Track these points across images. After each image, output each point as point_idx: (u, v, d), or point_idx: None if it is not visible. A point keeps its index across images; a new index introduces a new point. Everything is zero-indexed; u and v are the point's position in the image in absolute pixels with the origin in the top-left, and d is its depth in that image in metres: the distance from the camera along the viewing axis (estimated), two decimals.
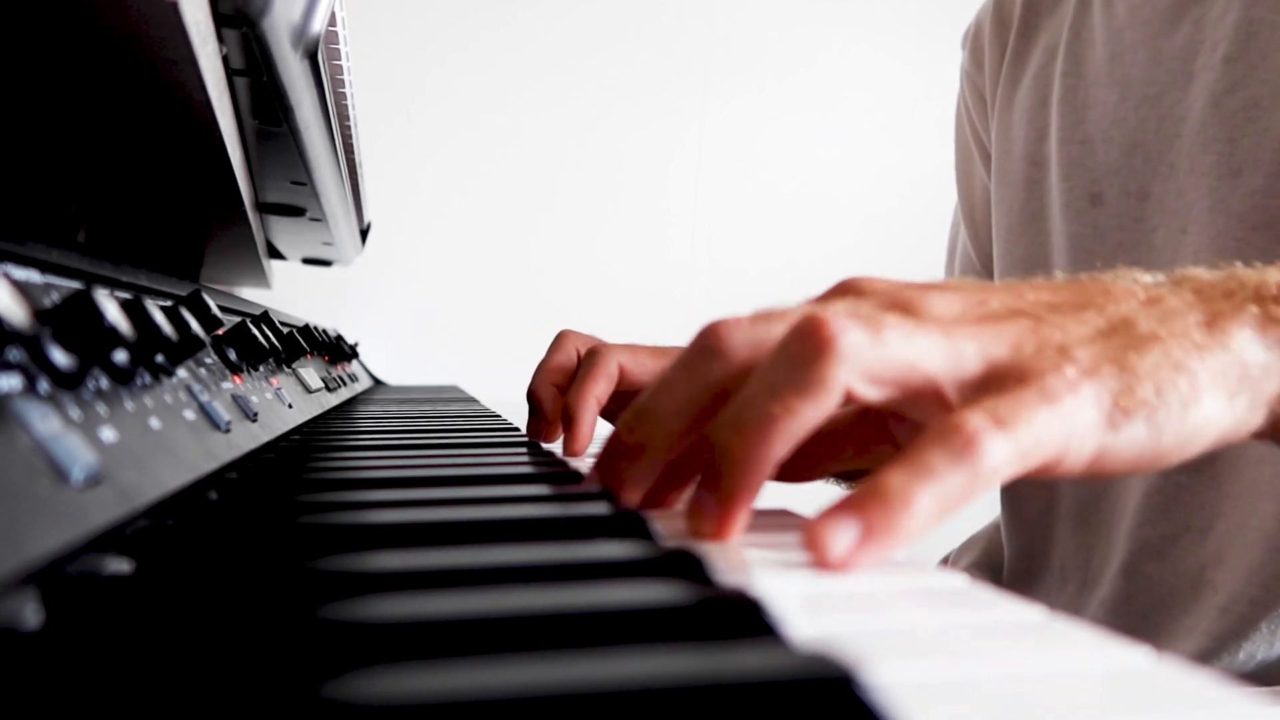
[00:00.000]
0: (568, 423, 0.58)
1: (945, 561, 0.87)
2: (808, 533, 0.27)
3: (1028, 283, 0.35)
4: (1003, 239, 0.79)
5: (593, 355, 0.59)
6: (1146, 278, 0.35)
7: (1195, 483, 0.61)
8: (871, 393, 0.30)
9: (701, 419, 0.33)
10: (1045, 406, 0.29)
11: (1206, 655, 0.59)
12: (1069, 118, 0.71)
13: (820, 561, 0.27)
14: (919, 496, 0.27)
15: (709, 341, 0.33)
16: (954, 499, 0.28)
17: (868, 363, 0.30)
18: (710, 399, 0.33)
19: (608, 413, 0.63)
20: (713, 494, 0.30)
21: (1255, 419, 0.33)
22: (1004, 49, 0.80)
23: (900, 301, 0.33)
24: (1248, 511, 0.59)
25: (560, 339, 0.64)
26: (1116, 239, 0.68)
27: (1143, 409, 0.31)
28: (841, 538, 0.27)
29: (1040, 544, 0.73)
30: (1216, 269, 0.36)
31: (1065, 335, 0.32)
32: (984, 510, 0.86)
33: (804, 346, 0.30)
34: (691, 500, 0.31)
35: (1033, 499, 0.72)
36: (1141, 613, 0.64)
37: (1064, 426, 0.29)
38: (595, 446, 0.59)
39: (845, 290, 0.36)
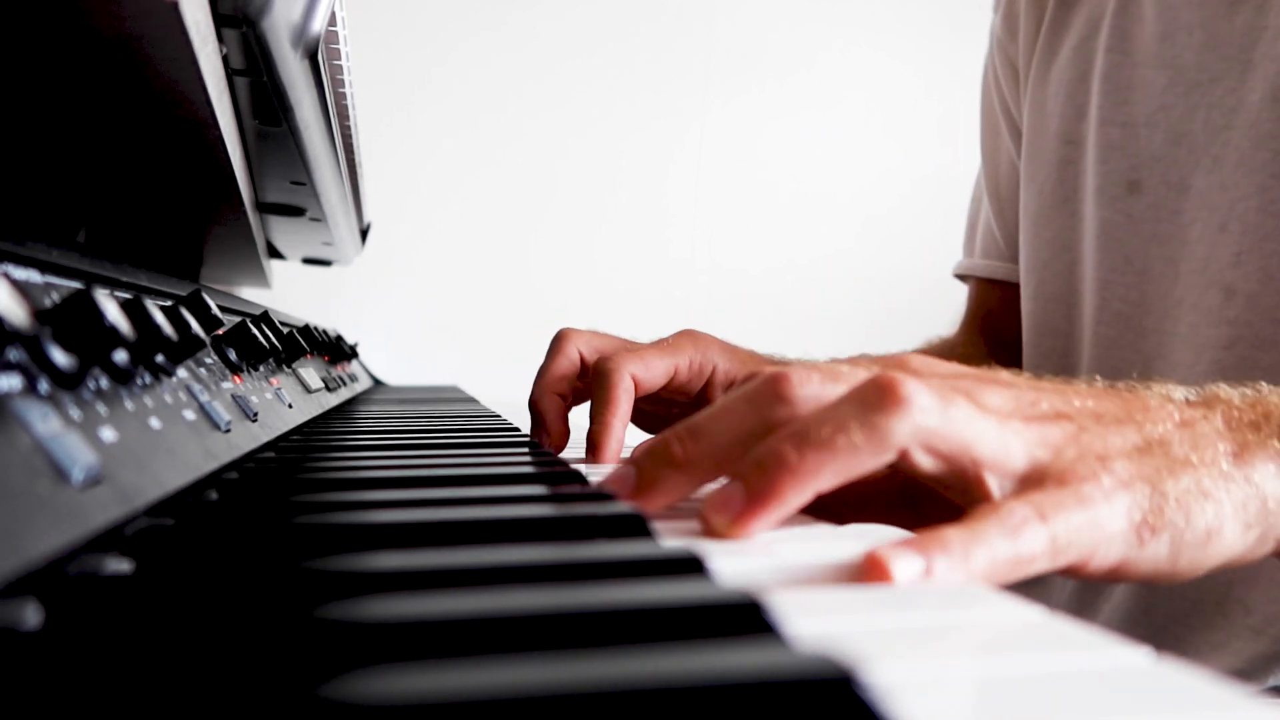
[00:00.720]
0: (598, 450, 0.55)
1: None
2: (875, 555, 0.28)
3: (1073, 387, 0.37)
4: (1031, 220, 0.76)
5: (607, 374, 0.56)
6: (1179, 393, 0.37)
7: None
8: (924, 461, 0.32)
9: (747, 448, 0.34)
10: (1081, 510, 0.31)
11: (1239, 675, 0.57)
12: (1111, 98, 0.68)
13: (881, 579, 0.28)
14: (976, 558, 0.29)
15: (778, 389, 0.34)
16: (999, 571, 0.29)
17: (931, 430, 0.31)
18: (764, 435, 0.33)
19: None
20: (747, 490, 0.31)
21: (1264, 549, 0.35)
22: (1041, 16, 0.75)
23: (961, 388, 0.34)
24: None
25: (560, 341, 0.62)
26: (1150, 230, 0.66)
27: (1169, 529, 0.32)
28: (908, 566, 0.28)
29: None
30: (1243, 388, 0.38)
31: (1105, 446, 0.33)
32: None
33: (879, 397, 0.31)
34: (717, 493, 0.32)
35: None
36: (1160, 624, 0.62)
37: (1095, 532, 0.31)
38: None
39: (901, 366, 0.37)
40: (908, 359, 0.37)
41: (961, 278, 0.92)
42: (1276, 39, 0.59)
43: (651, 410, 0.66)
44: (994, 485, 0.32)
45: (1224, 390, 0.37)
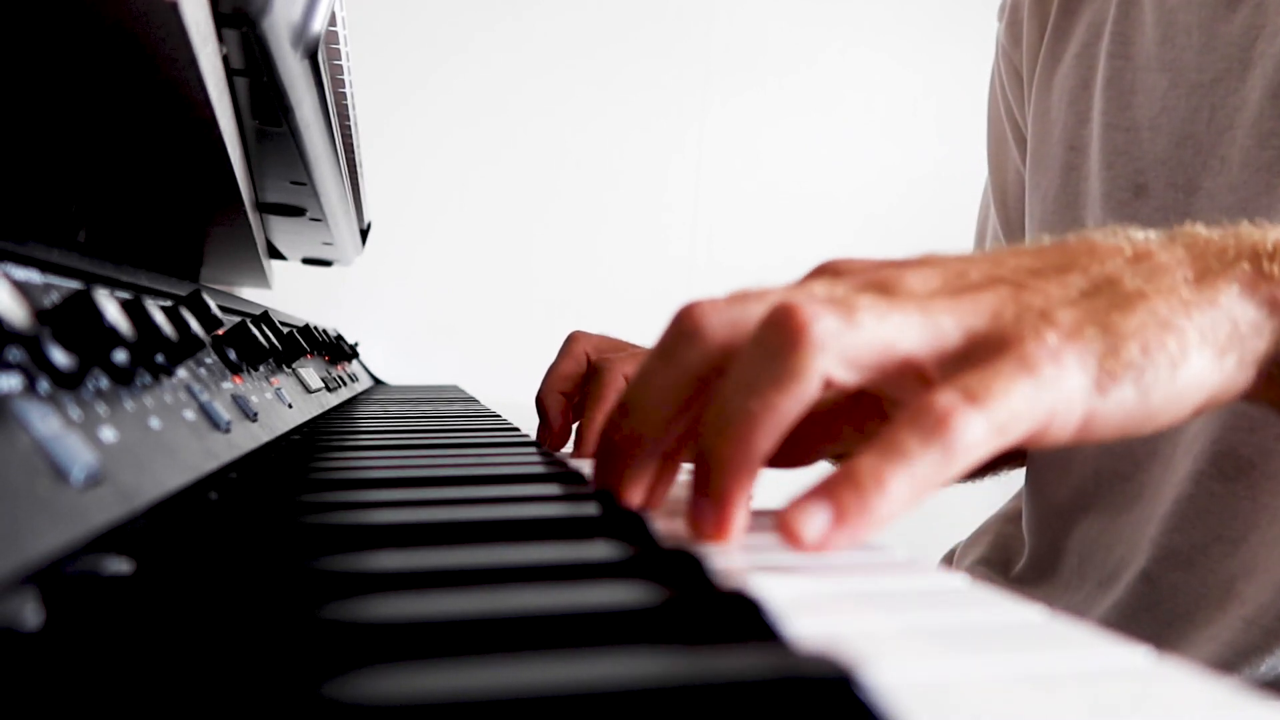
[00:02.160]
0: (579, 441, 0.58)
1: (950, 557, 0.85)
2: (781, 517, 0.28)
3: (1011, 249, 0.34)
4: (1036, 227, 0.76)
5: (600, 373, 0.60)
6: (1139, 234, 0.34)
7: (1229, 491, 0.58)
8: (851, 377, 0.30)
9: (688, 404, 0.33)
10: (1023, 377, 0.29)
11: (1225, 665, 0.57)
12: (1114, 102, 0.68)
13: (794, 545, 0.27)
14: (891, 479, 0.27)
15: (685, 325, 0.32)
16: (928, 480, 0.27)
17: (843, 348, 0.29)
18: (693, 384, 0.32)
19: None
20: (706, 497, 0.30)
21: (1243, 378, 0.32)
22: (1044, 24, 0.76)
23: (877, 281, 0.32)
24: None
25: (570, 342, 0.64)
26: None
27: (1130, 371, 0.30)
28: (814, 521, 0.27)
29: (1060, 540, 0.71)
30: (1222, 227, 0.35)
31: (1046, 300, 0.31)
32: (989, 503, 0.86)
33: (777, 337, 0.29)
34: (688, 504, 0.31)
35: (1059, 491, 0.71)
36: (1165, 621, 0.62)
37: (1046, 396, 0.29)
38: None
39: (824, 272, 0.35)
40: (833, 261, 0.35)
41: None
42: (1275, 36, 0.59)
43: None
44: (936, 374, 0.30)
45: (1194, 227, 0.35)
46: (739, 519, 0.31)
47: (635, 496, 0.35)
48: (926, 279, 0.32)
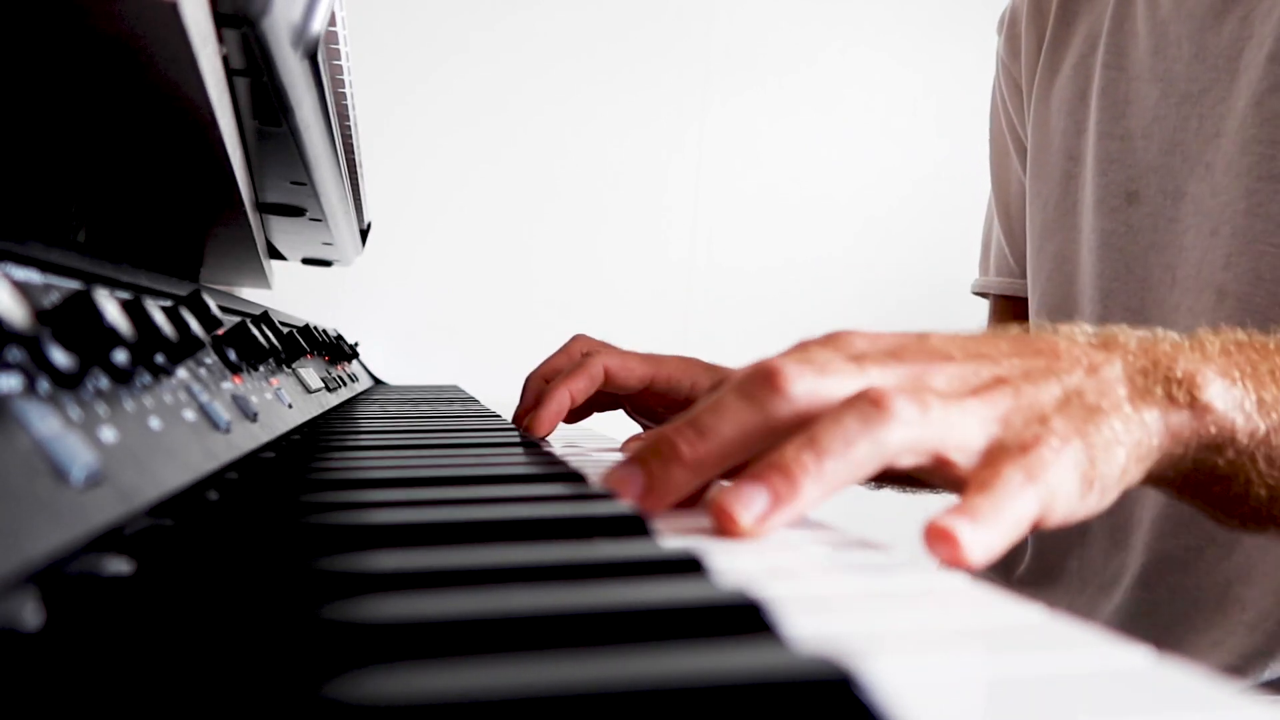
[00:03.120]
0: (538, 405, 0.64)
1: None
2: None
3: (994, 344, 0.40)
4: (1036, 234, 0.77)
5: (584, 358, 0.65)
6: (1081, 336, 0.41)
7: None
8: (908, 461, 0.35)
9: (751, 450, 0.35)
10: (1054, 467, 0.35)
11: (1232, 671, 0.57)
12: (1109, 112, 0.69)
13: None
14: (1003, 518, 0.33)
15: (773, 381, 0.35)
16: (1018, 530, 0.33)
17: (916, 437, 0.34)
18: (769, 435, 0.35)
19: (587, 408, 0.70)
20: (771, 492, 0.32)
21: (1139, 479, 0.39)
22: (1041, 37, 0.77)
23: (919, 379, 0.37)
24: None
25: (570, 341, 0.69)
26: (1149, 239, 0.67)
27: (1100, 479, 0.36)
28: (974, 541, 0.32)
29: (1061, 545, 0.72)
30: (1141, 331, 0.42)
31: (1039, 405, 0.37)
32: None
33: (875, 411, 0.34)
34: (737, 491, 0.32)
35: None
36: (1166, 626, 0.62)
37: (1058, 489, 0.35)
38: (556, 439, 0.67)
39: (833, 342, 0.39)
40: (847, 334, 0.39)
41: (980, 294, 0.93)
42: (1260, 46, 0.60)
43: (642, 422, 0.74)
44: (961, 463, 0.36)
45: (1122, 333, 0.41)
46: (779, 523, 0.33)
47: (666, 506, 0.36)
48: (950, 380, 0.38)
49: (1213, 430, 0.40)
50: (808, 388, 0.36)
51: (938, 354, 0.39)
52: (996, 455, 0.36)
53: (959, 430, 0.36)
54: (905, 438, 0.34)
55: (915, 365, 0.38)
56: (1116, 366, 0.40)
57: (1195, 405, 0.39)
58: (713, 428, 0.35)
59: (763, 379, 0.36)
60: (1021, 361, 0.39)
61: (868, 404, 0.34)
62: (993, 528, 0.32)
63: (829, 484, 0.33)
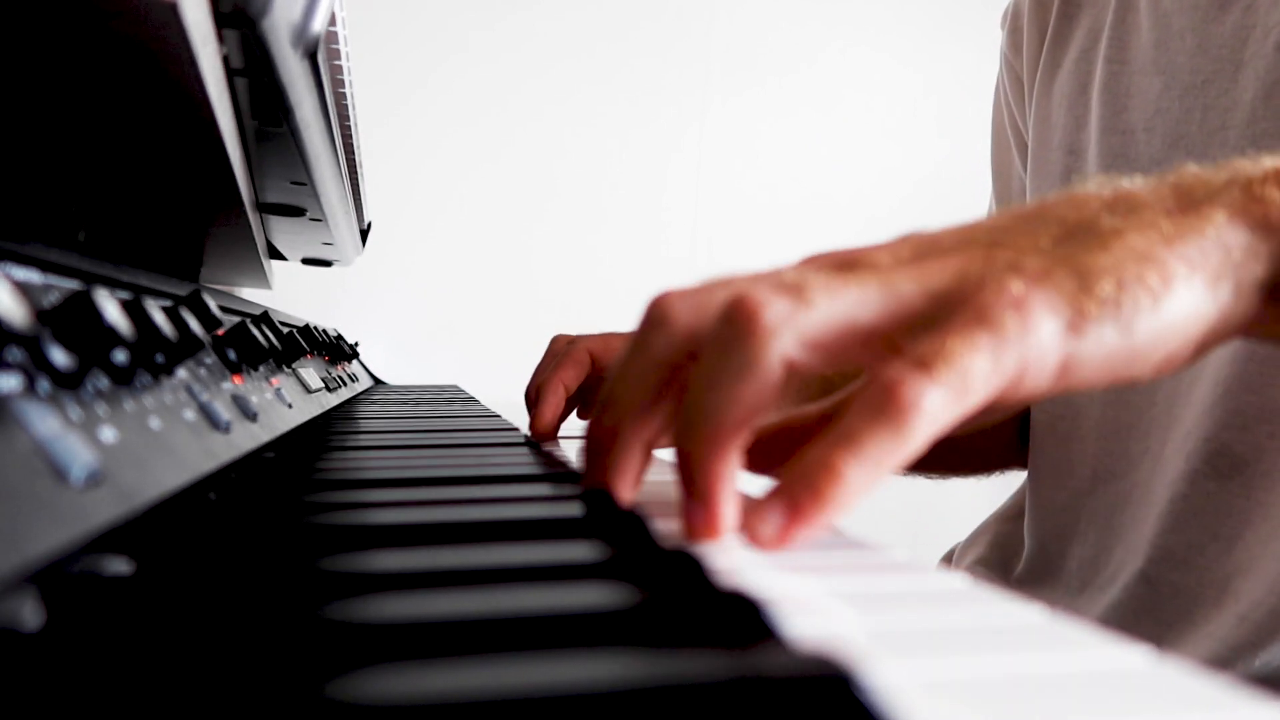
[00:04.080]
0: (534, 404, 0.64)
1: (949, 557, 0.85)
2: (742, 520, 0.28)
3: (994, 214, 0.34)
4: None
5: (567, 347, 0.66)
6: (1126, 180, 0.33)
7: (1223, 490, 0.58)
8: (815, 359, 0.29)
9: (662, 393, 0.33)
10: (980, 332, 0.27)
11: (1220, 662, 0.57)
12: (1110, 106, 0.69)
13: (756, 546, 0.28)
14: (844, 465, 0.27)
15: (654, 315, 0.33)
16: (885, 461, 0.27)
17: (799, 330, 0.29)
18: (664, 372, 0.32)
19: (590, 398, 0.69)
20: (692, 497, 0.30)
21: (1244, 307, 0.31)
22: (1044, 31, 0.76)
23: (841, 260, 0.32)
24: None
25: (551, 343, 0.70)
26: None
27: (1105, 307, 0.28)
28: (770, 521, 0.27)
29: (1060, 542, 0.72)
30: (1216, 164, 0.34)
31: (1016, 252, 0.30)
32: (989, 502, 0.86)
33: (731, 328, 0.29)
34: (681, 508, 0.31)
35: (1058, 494, 0.71)
36: (1166, 622, 0.62)
37: (1010, 348, 0.27)
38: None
39: (801, 263, 0.35)
40: (812, 254, 0.34)
41: None
42: (1265, 37, 0.59)
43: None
44: (907, 344, 0.29)
45: (1189, 166, 0.33)
46: (728, 515, 0.30)
47: (625, 489, 0.35)
48: (896, 251, 0.32)
49: None
50: (689, 304, 0.32)
51: (902, 236, 0.33)
52: (938, 322, 0.28)
53: (876, 300, 0.29)
54: (781, 337, 0.28)
55: (851, 254, 0.32)
56: (1161, 188, 0.32)
57: None
58: (613, 394, 0.33)
59: (646, 316, 0.33)
60: (1011, 218, 0.32)
61: (723, 320, 0.29)
62: (820, 503, 0.27)
63: (722, 446, 0.29)
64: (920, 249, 0.32)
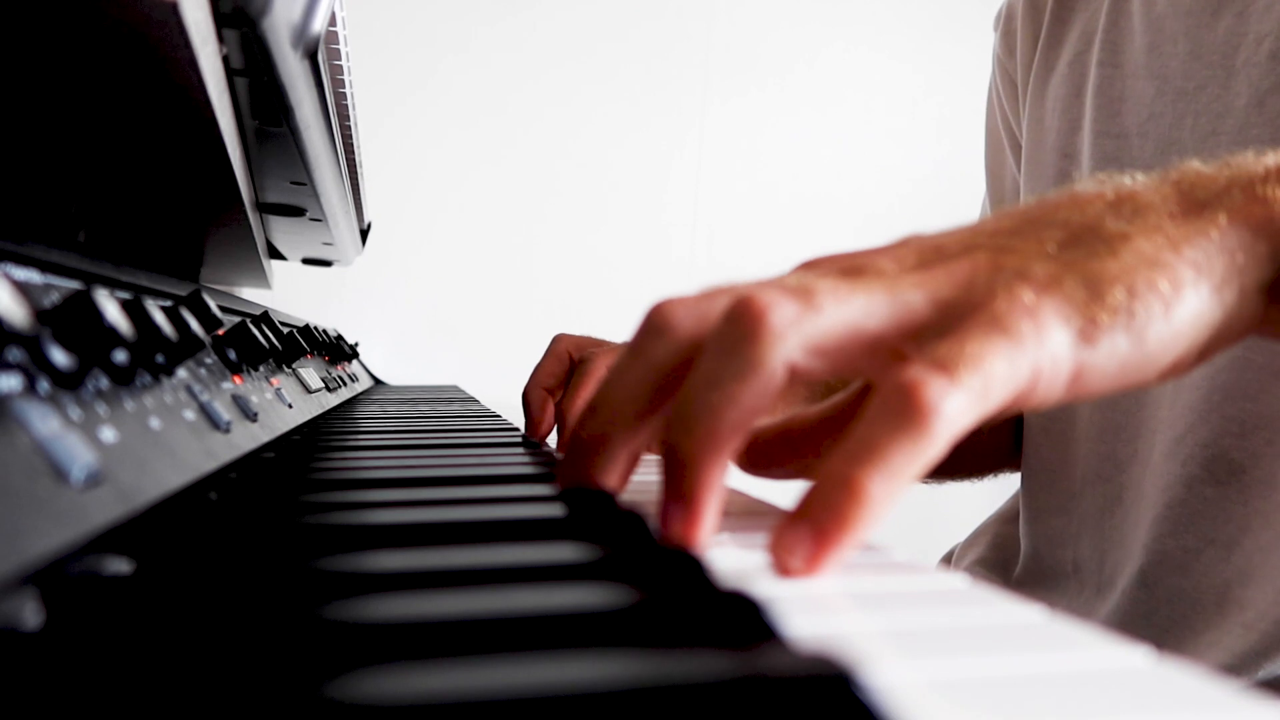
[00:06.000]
0: (561, 429, 0.62)
1: (949, 558, 0.85)
2: (769, 549, 0.27)
3: (996, 214, 0.33)
4: None
5: (582, 364, 0.63)
6: (1127, 179, 0.33)
7: (1220, 495, 0.58)
8: (818, 365, 0.29)
9: (657, 400, 0.32)
10: (997, 337, 0.27)
11: (1228, 671, 0.57)
12: (1104, 110, 0.68)
13: (784, 576, 0.27)
14: (867, 481, 0.25)
15: (654, 321, 0.32)
16: (907, 470, 0.26)
17: (804, 334, 0.28)
18: (661, 379, 0.32)
19: None
20: (675, 496, 0.29)
21: (1249, 310, 0.30)
22: (1037, 33, 0.76)
23: (847, 266, 0.31)
24: None
25: (554, 343, 0.67)
26: None
27: (1117, 316, 0.28)
28: (797, 552, 0.26)
29: (1055, 544, 0.72)
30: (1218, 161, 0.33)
31: (1023, 258, 0.29)
32: (989, 503, 0.86)
33: (736, 330, 0.28)
34: (659, 504, 0.30)
35: (1051, 496, 0.71)
36: (1164, 627, 0.62)
37: (1025, 355, 0.27)
38: None
39: (802, 268, 0.34)
40: (814, 257, 0.33)
41: None
42: (1258, 44, 0.59)
43: None
44: (911, 352, 0.28)
45: (1192, 163, 0.33)
46: (710, 518, 0.29)
47: (614, 483, 0.34)
48: (900, 257, 0.31)
49: None
50: (689, 312, 0.31)
51: (905, 239, 0.32)
52: (945, 330, 0.28)
53: (882, 308, 0.29)
54: (785, 342, 0.28)
55: (855, 259, 0.32)
56: (1164, 188, 0.31)
57: None
58: (603, 399, 0.33)
59: (645, 322, 0.32)
60: (1014, 220, 0.32)
61: (726, 322, 0.29)
62: (846, 523, 0.25)
63: (716, 452, 0.28)
64: (924, 254, 0.31)
